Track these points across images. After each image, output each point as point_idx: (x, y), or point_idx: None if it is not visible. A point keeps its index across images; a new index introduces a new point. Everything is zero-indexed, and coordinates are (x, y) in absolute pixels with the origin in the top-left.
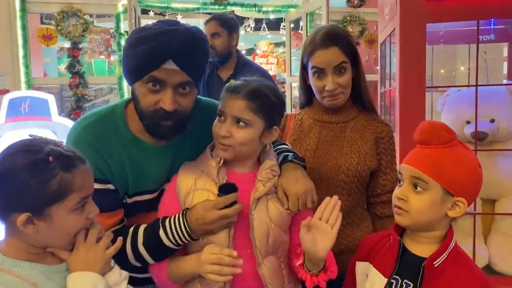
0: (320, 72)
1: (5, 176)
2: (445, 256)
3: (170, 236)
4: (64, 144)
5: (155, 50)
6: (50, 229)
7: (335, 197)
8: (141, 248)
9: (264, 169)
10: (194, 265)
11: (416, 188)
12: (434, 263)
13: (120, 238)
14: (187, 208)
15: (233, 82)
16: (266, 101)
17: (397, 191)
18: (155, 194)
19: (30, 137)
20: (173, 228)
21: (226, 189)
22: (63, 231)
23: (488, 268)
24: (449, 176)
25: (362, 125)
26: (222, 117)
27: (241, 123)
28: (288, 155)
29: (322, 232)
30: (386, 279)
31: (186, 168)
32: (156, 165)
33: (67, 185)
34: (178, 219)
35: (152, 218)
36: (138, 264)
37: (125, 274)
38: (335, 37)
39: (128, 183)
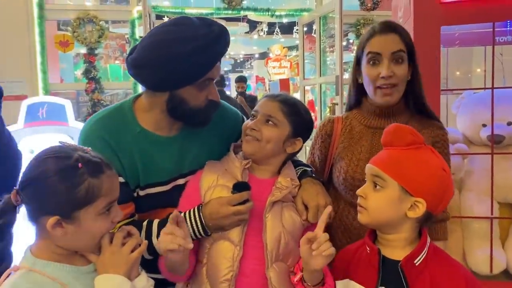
0: (375, 59)
1: (37, 181)
2: (424, 254)
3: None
4: (91, 150)
5: (214, 57)
6: (78, 232)
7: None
8: (155, 240)
9: (284, 177)
10: None
11: (375, 186)
12: (415, 262)
13: (145, 242)
14: (202, 204)
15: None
16: (297, 110)
17: (358, 189)
18: (167, 187)
19: (59, 144)
20: (188, 222)
21: (240, 187)
22: (90, 234)
23: (506, 273)
24: (407, 175)
25: (417, 130)
26: (254, 116)
27: (270, 122)
28: (307, 170)
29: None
30: None
31: (211, 165)
32: (165, 155)
33: (95, 190)
34: (194, 213)
35: (165, 214)
36: (150, 257)
37: (152, 281)
38: (395, 26)
39: (138, 174)
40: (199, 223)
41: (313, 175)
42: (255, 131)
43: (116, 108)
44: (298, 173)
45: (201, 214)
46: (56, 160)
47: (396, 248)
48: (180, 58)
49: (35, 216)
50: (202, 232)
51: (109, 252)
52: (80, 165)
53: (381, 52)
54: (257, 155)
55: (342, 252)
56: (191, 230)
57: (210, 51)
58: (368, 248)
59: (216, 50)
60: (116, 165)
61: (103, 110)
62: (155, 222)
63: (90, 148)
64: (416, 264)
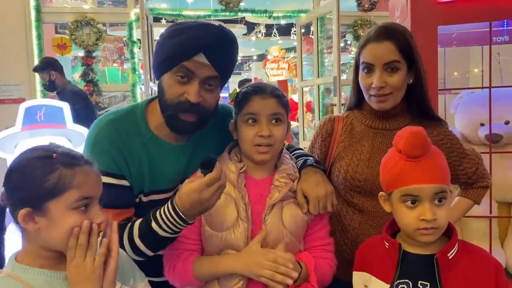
0: (369, 68)
1: (14, 170)
2: (456, 248)
3: (164, 227)
4: (77, 152)
5: (189, 41)
6: (50, 227)
7: None
8: (138, 241)
9: (280, 174)
10: (238, 265)
11: (440, 201)
12: (448, 255)
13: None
14: (172, 200)
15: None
16: (285, 96)
17: (425, 214)
18: (170, 193)
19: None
20: (165, 219)
21: (207, 164)
22: (62, 230)
23: (505, 272)
24: (448, 175)
25: None
26: (255, 120)
27: (278, 121)
28: (308, 159)
29: None
30: (389, 285)
31: None
32: (173, 164)
33: (66, 180)
34: (168, 208)
35: None
36: (138, 258)
37: None
38: (391, 32)
39: (144, 181)
40: (176, 217)
41: (314, 163)
42: (269, 138)
43: (129, 111)
44: (299, 165)
45: (177, 210)
46: (34, 151)
47: (416, 243)
48: (162, 40)
49: (13, 210)
50: (183, 224)
51: (74, 265)
52: (54, 155)
53: (374, 62)
54: (271, 159)
55: (364, 244)
56: (170, 225)
57: (185, 35)
58: (386, 243)
59: (190, 35)
60: (123, 170)
61: (115, 111)
62: (137, 223)
63: (97, 148)
64: (450, 258)
